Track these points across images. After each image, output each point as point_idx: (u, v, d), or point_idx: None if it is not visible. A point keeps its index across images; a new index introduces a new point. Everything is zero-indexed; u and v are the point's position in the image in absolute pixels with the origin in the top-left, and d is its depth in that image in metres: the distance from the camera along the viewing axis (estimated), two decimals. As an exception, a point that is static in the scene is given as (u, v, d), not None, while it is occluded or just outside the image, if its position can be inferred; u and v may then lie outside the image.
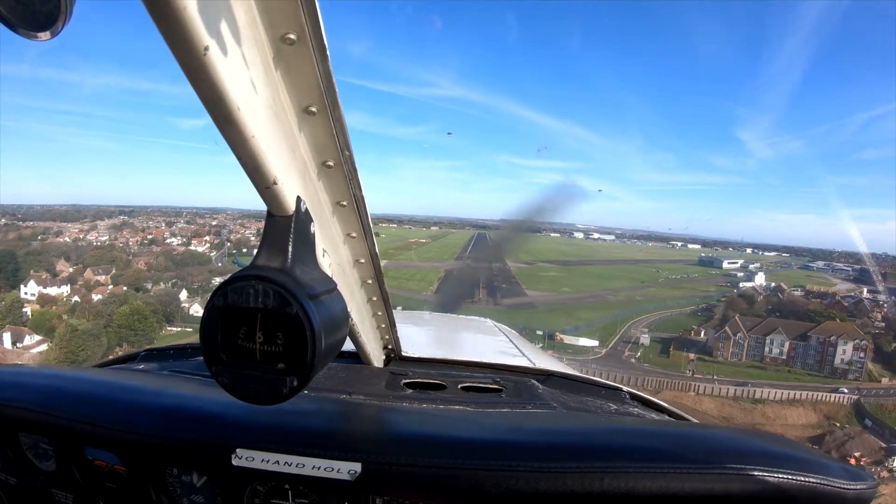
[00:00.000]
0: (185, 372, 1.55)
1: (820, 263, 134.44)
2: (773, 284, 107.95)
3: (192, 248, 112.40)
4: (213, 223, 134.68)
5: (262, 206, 0.73)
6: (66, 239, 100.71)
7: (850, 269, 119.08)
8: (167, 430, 1.06)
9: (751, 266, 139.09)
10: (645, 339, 68.18)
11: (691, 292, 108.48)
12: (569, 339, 62.24)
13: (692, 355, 62.55)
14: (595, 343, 64.06)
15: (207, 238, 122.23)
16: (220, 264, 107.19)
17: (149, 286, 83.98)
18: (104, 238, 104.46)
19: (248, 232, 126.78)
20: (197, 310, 71.67)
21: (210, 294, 0.66)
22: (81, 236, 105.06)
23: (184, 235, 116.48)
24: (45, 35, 0.46)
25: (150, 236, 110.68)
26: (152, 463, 1.11)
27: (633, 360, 62.68)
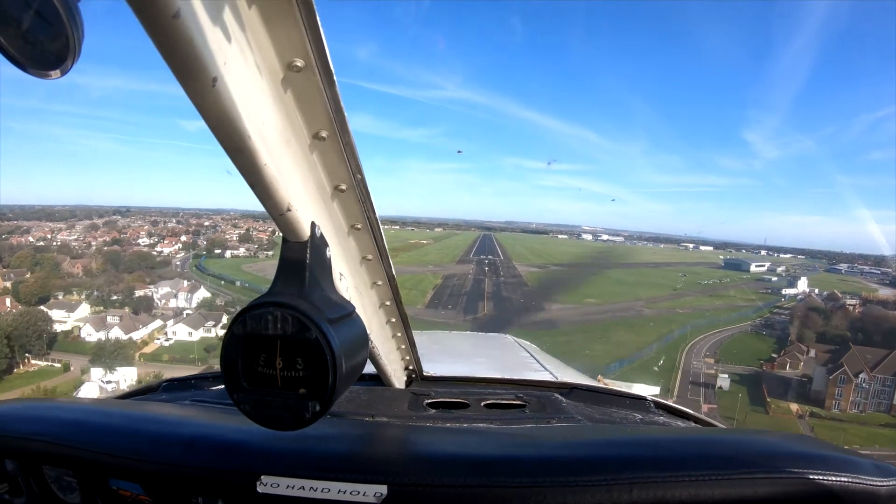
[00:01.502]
0: (206, 401, 1.53)
1: (843, 266, 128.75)
2: (824, 292, 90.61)
3: (157, 249, 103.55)
4: (206, 223, 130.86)
5: (262, 207, 0.72)
6: (31, 238, 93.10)
7: (878, 272, 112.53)
8: (191, 460, 1.04)
9: (778, 269, 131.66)
10: (723, 381, 48.55)
11: (733, 301, 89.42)
12: (618, 385, 41.29)
13: (798, 407, 42.33)
14: (655, 390, 43.20)
15: (185, 238, 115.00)
16: (180, 269, 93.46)
17: (60, 296, 64.05)
18: (72, 238, 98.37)
19: (236, 233, 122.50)
20: (90, 332, 52.07)
21: (229, 322, 0.66)
22: (49, 236, 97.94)
23: (162, 235, 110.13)
24: (55, 73, 0.47)
25: (122, 236, 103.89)
26: (177, 492, 1.09)
27: (718, 418, 42.51)
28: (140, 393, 1.83)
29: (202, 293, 70.32)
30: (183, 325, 58.88)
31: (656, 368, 50.45)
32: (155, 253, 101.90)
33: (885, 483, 0.88)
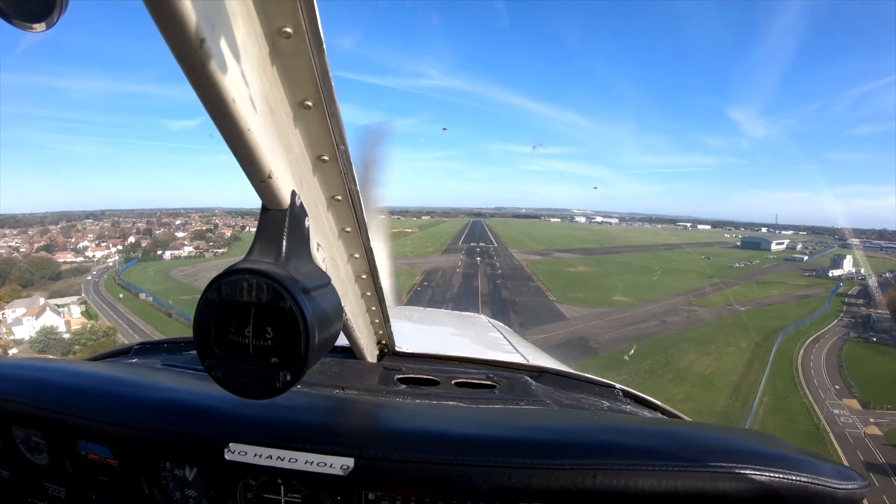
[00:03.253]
0: (177, 366, 1.50)
1: (855, 241, 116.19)
2: (886, 273, 74.17)
3: (87, 254, 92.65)
4: (177, 222, 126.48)
5: (251, 204, 0.45)
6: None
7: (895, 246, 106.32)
8: (160, 424, 1.03)
9: (798, 247, 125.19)
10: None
11: (788, 289, 68.92)
12: None
13: None
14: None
15: (133, 239, 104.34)
16: (96, 278, 75.17)
17: None
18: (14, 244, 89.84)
19: (192, 230, 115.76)
20: None
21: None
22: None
23: (104, 238, 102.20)
24: (40, 26, 0.44)
25: (62, 241, 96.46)
26: (145, 457, 1.09)
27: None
28: (111, 355, 1.77)
29: (51, 319, 47.18)
30: None
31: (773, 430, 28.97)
32: (81, 259, 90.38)
33: (843, 486, 0.89)
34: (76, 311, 52.32)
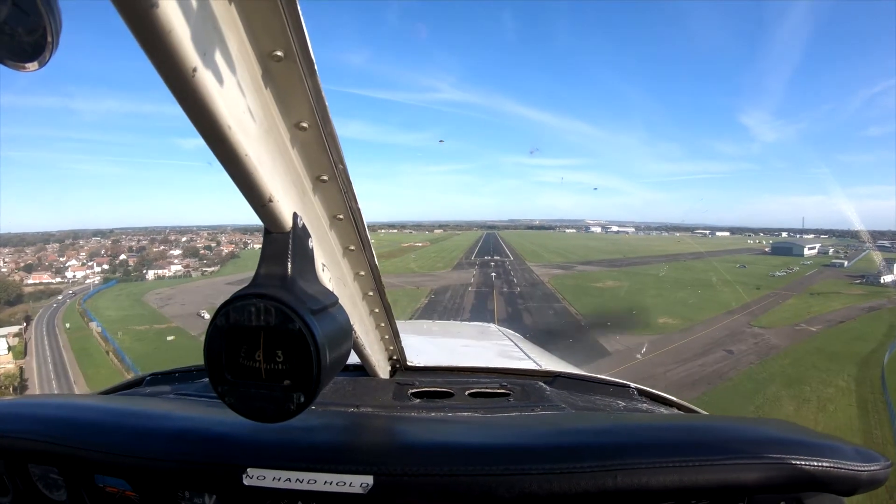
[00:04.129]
0: (191, 394, 1.50)
1: (885, 244, 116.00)
2: None
3: (69, 273, 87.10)
4: (183, 239, 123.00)
5: (258, 221, 0.70)
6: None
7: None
8: (177, 454, 1.02)
9: (830, 251, 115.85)
10: None
11: (846, 301, 58.16)
12: None
13: None
14: None
15: (124, 256, 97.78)
16: (57, 304, 67.27)
17: None
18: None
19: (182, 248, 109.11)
20: None
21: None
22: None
23: (90, 256, 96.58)
24: (32, 66, 0.45)
25: (52, 259, 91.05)
26: (163, 487, 1.08)
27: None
28: (124, 388, 1.77)
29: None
30: None
31: None
32: (59, 279, 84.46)
33: (866, 468, 0.88)
34: (2, 345, 42.86)
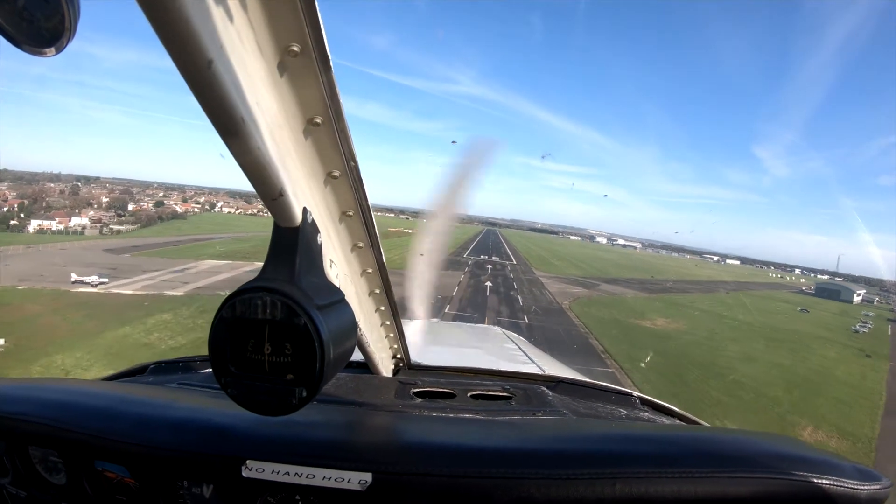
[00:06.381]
0: (194, 384, 1.50)
1: None
2: None
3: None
4: (161, 195, 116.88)
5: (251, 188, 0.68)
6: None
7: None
8: (177, 443, 1.02)
9: (875, 300, 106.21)
10: None
11: None
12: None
13: None
14: None
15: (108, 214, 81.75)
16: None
17: None
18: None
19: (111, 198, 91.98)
20: None
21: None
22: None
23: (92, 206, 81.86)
24: (49, 51, 0.44)
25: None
26: (162, 475, 1.07)
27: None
28: (127, 375, 1.76)
29: None
30: None
31: None
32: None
33: (866, 487, 0.87)
34: None
